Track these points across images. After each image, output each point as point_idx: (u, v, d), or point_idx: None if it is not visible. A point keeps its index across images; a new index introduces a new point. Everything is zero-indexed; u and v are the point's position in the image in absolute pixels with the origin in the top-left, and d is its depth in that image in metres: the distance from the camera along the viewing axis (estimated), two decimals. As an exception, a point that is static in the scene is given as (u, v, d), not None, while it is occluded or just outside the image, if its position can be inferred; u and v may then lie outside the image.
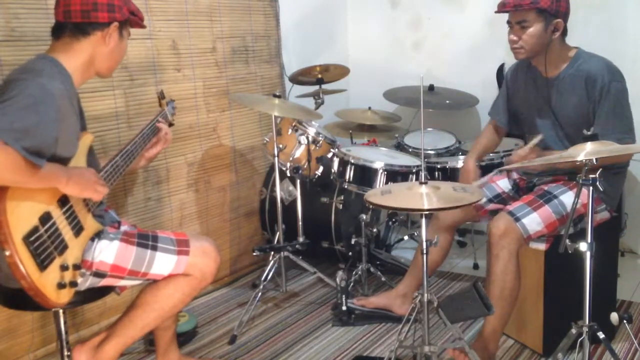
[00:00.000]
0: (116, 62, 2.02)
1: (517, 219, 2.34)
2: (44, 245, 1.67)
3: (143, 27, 2.11)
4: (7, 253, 1.57)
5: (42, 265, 1.66)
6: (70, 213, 1.81)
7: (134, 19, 2.02)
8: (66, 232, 1.78)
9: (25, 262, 1.60)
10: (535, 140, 2.41)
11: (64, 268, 1.73)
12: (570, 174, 2.48)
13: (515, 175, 2.70)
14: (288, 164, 3.05)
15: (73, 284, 1.76)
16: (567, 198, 2.40)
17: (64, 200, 1.79)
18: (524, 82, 2.61)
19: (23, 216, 1.64)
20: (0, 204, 1.59)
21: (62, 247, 1.75)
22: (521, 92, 2.64)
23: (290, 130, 3.07)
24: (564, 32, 2.42)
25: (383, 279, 3.18)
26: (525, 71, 2.61)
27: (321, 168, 3.14)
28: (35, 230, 1.65)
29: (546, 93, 2.50)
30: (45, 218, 1.70)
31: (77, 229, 1.84)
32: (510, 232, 2.32)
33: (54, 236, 1.72)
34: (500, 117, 2.77)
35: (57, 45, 1.89)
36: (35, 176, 1.63)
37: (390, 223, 3.69)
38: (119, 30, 1.95)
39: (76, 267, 1.79)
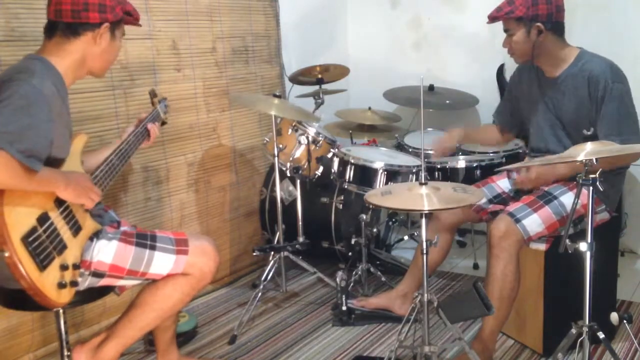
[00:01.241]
0: (108, 62, 2.01)
1: (518, 220, 2.34)
2: (43, 245, 1.67)
3: (138, 25, 2.08)
4: (6, 254, 1.57)
5: (42, 265, 1.66)
6: (68, 213, 1.82)
7: (128, 19, 2.00)
8: (64, 232, 1.78)
9: (25, 263, 1.60)
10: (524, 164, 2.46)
11: (63, 268, 1.73)
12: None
13: (515, 176, 2.70)
14: (288, 164, 3.05)
15: (73, 283, 1.76)
16: (567, 199, 2.40)
17: (61, 201, 1.79)
18: (528, 83, 2.62)
19: (21, 217, 1.63)
20: None
21: (61, 247, 1.75)
22: (524, 92, 2.65)
23: (290, 130, 3.07)
24: (558, 32, 2.43)
25: (383, 279, 3.18)
26: (528, 72, 2.62)
27: (321, 168, 3.14)
28: (33, 230, 1.65)
29: (548, 93, 2.51)
30: (43, 218, 1.70)
31: (76, 229, 1.84)
32: (511, 234, 2.32)
33: (52, 236, 1.72)
34: (505, 121, 2.80)
35: (48, 45, 1.88)
36: (32, 180, 1.63)
37: (390, 223, 3.69)
38: (111, 30, 1.93)
39: (76, 266, 1.79)
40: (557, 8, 2.39)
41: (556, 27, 2.42)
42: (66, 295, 1.74)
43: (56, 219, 1.75)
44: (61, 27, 1.87)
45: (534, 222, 2.35)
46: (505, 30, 2.48)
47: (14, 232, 1.60)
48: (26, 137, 1.61)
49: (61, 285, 1.71)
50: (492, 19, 2.46)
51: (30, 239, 1.64)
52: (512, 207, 2.41)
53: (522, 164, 2.45)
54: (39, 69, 1.79)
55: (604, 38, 3.37)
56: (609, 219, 2.51)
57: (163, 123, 2.45)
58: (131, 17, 2.01)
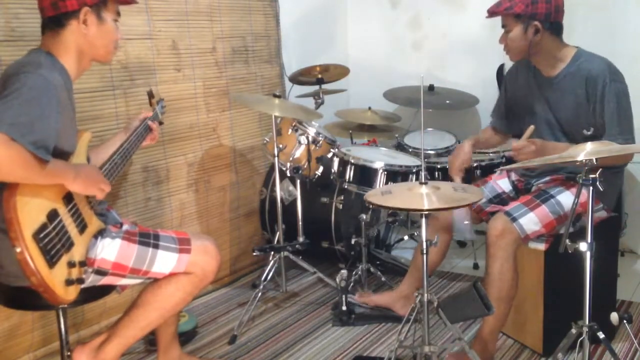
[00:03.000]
0: (108, 46, 1.96)
1: (514, 219, 2.34)
2: (53, 242, 1.68)
3: (134, 2, 2.05)
4: (18, 250, 1.58)
5: (51, 261, 1.66)
6: (75, 210, 1.83)
7: None
8: (71, 229, 1.79)
9: (35, 259, 1.61)
10: (528, 132, 2.40)
11: (71, 265, 1.74)
12: (569, 174, 2.48)
13: (513, 177, 2.70)
14: (288, 164, 3.06)
15: (80, 280, 1.77)
16: (564, 198, 2.40)
17: (69, 198, 1.80)
18: (525, 82, 2.62)
19: (32, 213, 1.64)
20: (11, 201, 1.59)
21: (69, 244, 1.76)
22: (521, 91, 2.65)
23: (290, 130, 3.07)
24: (556, 32, 2.43)
25: (383, 279, 3.18)
26: (525, 71, 2.62)
27: (321, 168, 3.14)
28: (44, 227, 1.66)
29: (546, 92, 2.51)
30: (53, 215, 1.71)
31: (82, 227, 1.85)
32: (508, 233, 2.33)
33: (61, 233, 1.73)
34: (499, 122, 2.79)
35: (45, 42, 1.89)
36: (43, 171, 1.64)
37: (390, 223, 3.69)
38: (96, 13, 1.89)
39: (82, 263, 1.80)
40: (556, 8, 2.39)
41: (554, 27, 2.42)
42: (72, 292, 1.75)
43: (64, 215, 1.76)
44: (47, 22, 1.87)
45: (531, 221, 2.35)
46: (503, 26, 2.48)
47: (26, 228, 1.60)
48: (37, 128, 1.62)
49: (69, 282, 1.72)
50: (491, 13, 2.46)
51: (41, 235, 1.64)
52: (509, 206, 2.42)
53: (521, 164, 2.45)
54: (44, 60, 1.80)
55: (603, 37, 3.37)
56: (606, 217, 2.52)
57: (160, 123, 2.45)
58: None
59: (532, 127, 2.40)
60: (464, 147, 2.71)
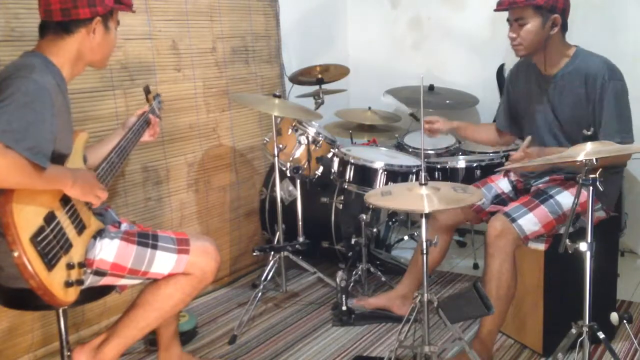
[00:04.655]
0: (107, 54, 1.99)
1: (513, 220, 2.34)
2: (51, 244, 1.68)
3: (131, 11, 2.05)
4: (16, 254, 1.57)
5: (50, 264, 1.66)
6: (73, 212, 1.82)
7: (120, 7, 1.96)
8: (70, 230, 1.79)
9: (34, 262, 1.60)
10: (526, 142, 2.41)
11: (70, 266, 1.74)
12: (568, 174, 2.48)
13: (513, 177, 2.70)
14: (288, 164, 3.05)
15: (79, 282, 1.77)
16: (563, 198, 2.40)
17: (66, 200, 1.80)
18: (525, 81, 2.62)
19: (29, 217, 1.64)
20: (7, 206, 1.59)
21: (68, 246, 1.76)
22: (521, 90, 2.65)
23: (290, 130, 3.07)
24: (564, 29, 2.42)
25: (383, 279, 3.18)
26: (525, 70, 2.61)
27: (321, 168, 3.14)
28: (41, 230, 1.66)
29: (546, 91, 2.51)
30: (50, 218, 1.71)
31: (80, 228, 1.84)
32: (507, 233, 2.33)
33: (59, 235, 1.72)
34: (504, 123, 2.80)
35: (43, 43, 1.87)
36: (41, 178, 1.64)
37: (390, 223, 3.69)
38: (104, 23, 1.90)
39: (81, 265, 1.80)
40: (569, 5, 2.39)
41: (565, 24, 2.42)
42: (72, 294, 1.75)
43: (62, 217, 1.76)
44: (53, 26, 1.85)
45: (530, 221, 2.35)
46: (516, 19, 2.40)
47: (23, 232, 1.60)
48: (32, 134, 1.61)
49: (68, 284, 1.72)
50: (508, 4, 2.38)
51: (39, 238, 1.64)
52: (509, 207, 2.42)
53: (521, 164, 2.45)
54: (38, 64, 1.78)
55: (603, 36, 3.37)
56: (605, 217, 2.52)
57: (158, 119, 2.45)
58: (123, 5, 1.97)
59: (529, 137, 2.40)
60: (447, 123, 2.86)
